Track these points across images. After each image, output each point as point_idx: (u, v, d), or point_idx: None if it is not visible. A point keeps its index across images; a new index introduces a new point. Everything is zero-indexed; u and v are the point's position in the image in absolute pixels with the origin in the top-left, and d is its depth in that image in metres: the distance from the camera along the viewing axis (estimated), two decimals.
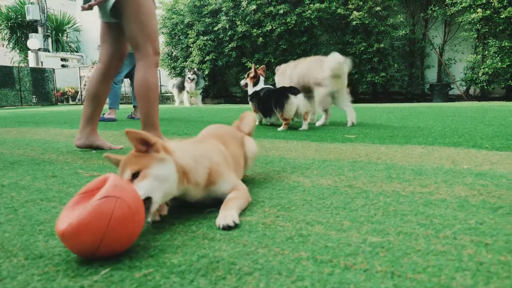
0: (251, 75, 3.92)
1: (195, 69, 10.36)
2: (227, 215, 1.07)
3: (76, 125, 4.57)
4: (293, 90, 3.56)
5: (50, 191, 1.51)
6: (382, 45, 10.26)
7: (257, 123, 4.11)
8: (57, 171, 1.91)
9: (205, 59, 12.28)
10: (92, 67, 15.93)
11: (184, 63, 12.94)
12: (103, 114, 5.43)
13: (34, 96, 14.94)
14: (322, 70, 3.76)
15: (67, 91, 16.52)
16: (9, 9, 19.59)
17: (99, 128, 4.21)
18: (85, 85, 15.95)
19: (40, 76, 15.22)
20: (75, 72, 16.63)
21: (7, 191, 1.53)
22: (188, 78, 10.08)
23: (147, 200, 0.98)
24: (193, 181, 1.12)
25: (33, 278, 0.79)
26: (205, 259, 0.86)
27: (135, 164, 1.00)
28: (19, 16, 19.01)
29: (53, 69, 15.85)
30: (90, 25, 20.33)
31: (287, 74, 4.21)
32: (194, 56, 12.48)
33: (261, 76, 3.90)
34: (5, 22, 19.34)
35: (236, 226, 1.05)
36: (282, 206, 1.25)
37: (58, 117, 6.34)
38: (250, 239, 0.97)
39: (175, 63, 13.36)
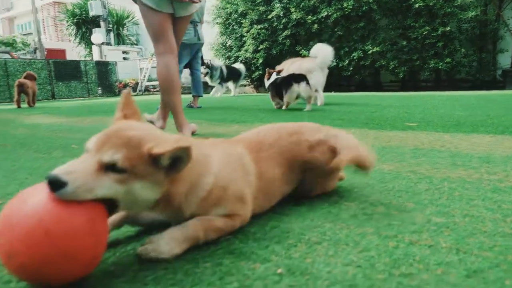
0: (267, 76, 5.16)
1: (208, 62, 9.94)
2: (158, 245, 0.81)
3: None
4: (297, 78, 4.14)
5: None
6: (449, 28, 9.58)
7: (275, 106, 4.82)
8: None
9: (259, 48, 12.34)
10: (151, 59, 16.72)
11: (238, 53, 13.11)
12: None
13: (99, 88, 16.09)
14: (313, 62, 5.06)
15: (128, 83, 17.56)
16: (74, 6, 21.21)
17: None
18: (144, 76, 16.80)
19: (104, 69, 16.33)
20: (135, 64, 17.57)
21: None
22: (201, 72, 9.85)
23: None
24: (179, 210, 0.86)
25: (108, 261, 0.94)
26: (277, 229, 0.95)
27: (129, 160, 0.72)
28: (83, 12, 20.50)
29: (116, 62, 16.90)
30: None
31: (284, 68, 5.25)
32: (248, 46, 12.59)
33: (273, 73, 5.03)
34: (71, 18, 20.99)
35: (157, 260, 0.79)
36: (344, 188, 1.30)
37: None
38: (316, 215, 1.04)
39: (230, 53, 13.59)
